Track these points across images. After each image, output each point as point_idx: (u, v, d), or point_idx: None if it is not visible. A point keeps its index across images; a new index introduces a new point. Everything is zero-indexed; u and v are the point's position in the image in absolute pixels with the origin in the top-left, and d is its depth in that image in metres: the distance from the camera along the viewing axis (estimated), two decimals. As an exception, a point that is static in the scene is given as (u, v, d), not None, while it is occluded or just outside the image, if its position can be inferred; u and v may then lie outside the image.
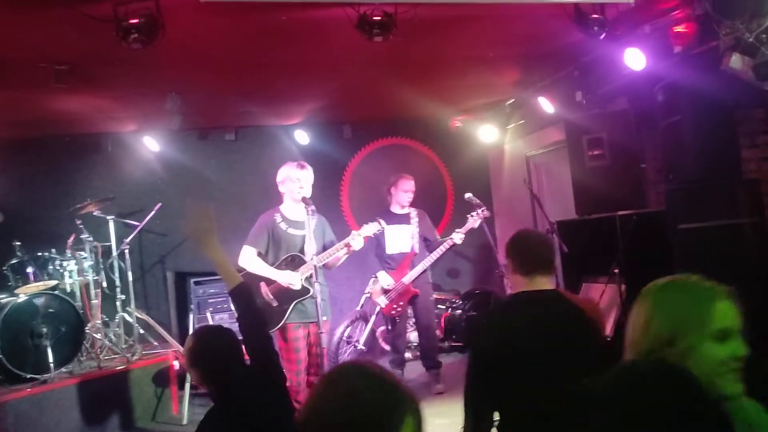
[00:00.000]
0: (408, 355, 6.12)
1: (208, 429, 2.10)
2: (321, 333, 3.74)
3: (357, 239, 4.07)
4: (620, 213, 4.28)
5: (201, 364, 2.23)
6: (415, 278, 5.32)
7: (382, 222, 4.41)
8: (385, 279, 5.34)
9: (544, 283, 2.30)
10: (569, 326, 2.19)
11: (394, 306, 5.34)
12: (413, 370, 5.86)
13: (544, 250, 2.37)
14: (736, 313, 1.22)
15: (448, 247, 5.30)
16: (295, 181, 3.95)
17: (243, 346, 2.32)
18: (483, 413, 2.20)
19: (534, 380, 2.08)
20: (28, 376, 4.40)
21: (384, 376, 1.13)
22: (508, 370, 2.13)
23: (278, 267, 3.99)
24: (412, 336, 6.10)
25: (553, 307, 2.25)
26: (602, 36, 3.70)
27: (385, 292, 5.35)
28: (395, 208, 5.49)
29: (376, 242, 5.36)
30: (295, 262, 3.97)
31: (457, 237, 5.23)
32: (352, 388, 1.10)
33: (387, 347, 6.19)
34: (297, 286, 3.91)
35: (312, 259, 3.92)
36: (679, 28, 4.01)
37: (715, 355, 1.17)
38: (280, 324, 3.92)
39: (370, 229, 4.27)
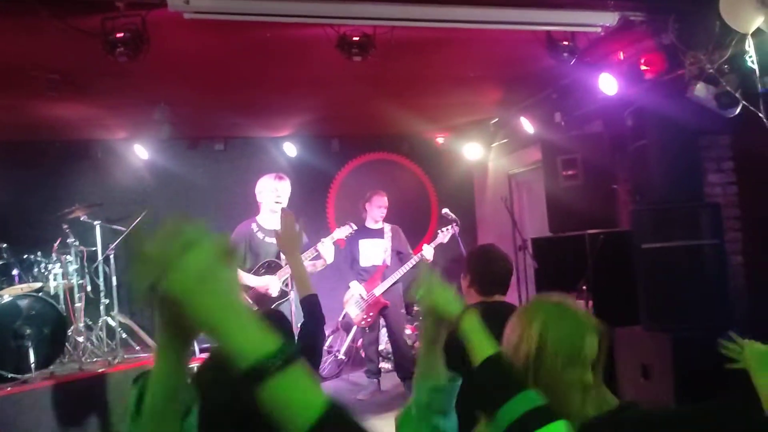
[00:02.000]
0: (386, 365, 6.22)
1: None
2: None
3: (326, 243, 4.19)
4: (589, 231, 4.43)
5: None
6: (386, 290, 5.47)
7: (353, 225, 4.55)
8: (356, 288, 5.47)
9: (500, 298, 2.46)
10: None
11: (364, 316, 5.47)
12: (390, 380, 5.96)
13: (506, 273, 2.48)
14: (597, 347, 1.39)
15: (417, 261, 5.44)
16: (273, 192, 4.08)
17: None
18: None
19: None
20: (9, 375, 4.46)
21: None
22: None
23: (256, 273, 4.12)
24: (389, 346, 6.22)
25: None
26: (572, 62, 3.87)
27: (357, 302, 5.49)
28: (369, 223, 5.64)
29: (351, 255, 5.49)
30: (272, 268, 4.10)
31: (426, 251, 5.38)
32: None
33: (366, 357, 6.31)
34: (274, 292, 4.03)
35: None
36: (648, 57, 4.18)
37: (574, 379, 1.33)
38: None
39: (343, 231, 4.43)
